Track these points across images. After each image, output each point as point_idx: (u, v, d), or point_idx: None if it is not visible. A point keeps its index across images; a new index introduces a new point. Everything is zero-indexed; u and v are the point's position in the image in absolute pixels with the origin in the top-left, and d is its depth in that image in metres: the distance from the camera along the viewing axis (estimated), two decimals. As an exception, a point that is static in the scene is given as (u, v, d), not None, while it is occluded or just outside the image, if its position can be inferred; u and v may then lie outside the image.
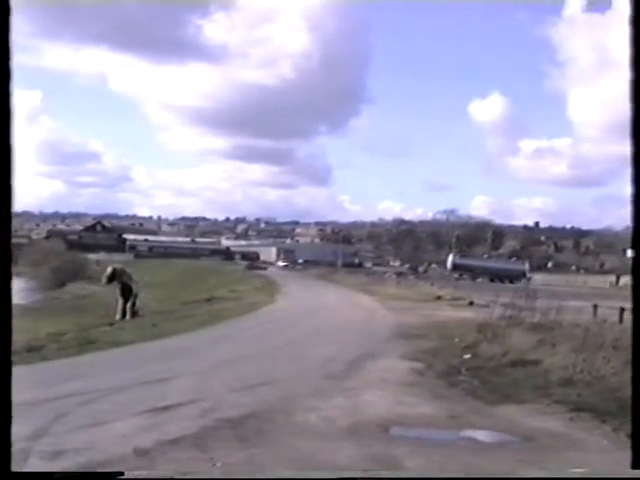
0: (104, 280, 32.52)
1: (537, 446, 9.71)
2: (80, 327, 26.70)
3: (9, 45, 2.83)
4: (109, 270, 32.85)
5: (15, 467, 3.44)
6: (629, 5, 3.05)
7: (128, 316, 30.73)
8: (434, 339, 22.92)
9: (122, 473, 3.52)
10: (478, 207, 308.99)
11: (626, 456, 4.12)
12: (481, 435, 10.38)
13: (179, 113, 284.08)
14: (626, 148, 2.99)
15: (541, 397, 13.02)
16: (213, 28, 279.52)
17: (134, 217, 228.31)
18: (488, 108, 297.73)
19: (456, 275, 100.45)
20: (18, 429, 8.96)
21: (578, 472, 5.64)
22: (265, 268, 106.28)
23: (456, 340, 21.96)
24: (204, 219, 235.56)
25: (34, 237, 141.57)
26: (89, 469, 7.94)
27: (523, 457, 9.01)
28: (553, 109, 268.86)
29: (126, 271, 33.27)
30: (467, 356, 18.62)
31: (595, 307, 25.54)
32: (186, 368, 15.95)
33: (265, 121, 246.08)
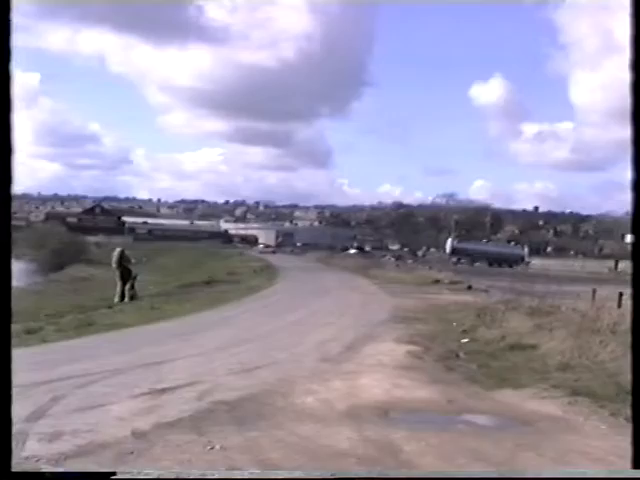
0: (114, 264, 32.31)
1: (535, 430, 9.72)
2: (79, 309, 26.69)
3: (9, 29, 2.80)
4: (117, 253, 32.74)
5: (13, 448, 3.41)
6: (629, 4, 3.02)
7: (127, 299, 30.72)
8: (432, 323, 22.97)
9: (114, 473, 3.52)
10: (478, 191, 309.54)
11: (623, 441, 4.13)
12: (479, 419, 10.39)
13: (179, 95, 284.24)
14: (628, 133, 2.97)
15: (539, 381, 13.03)
16: (214, 9, 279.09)
17: (133, 200, 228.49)
18: (490, 91, 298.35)
19: (455, 259, 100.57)
20: (16, 411, 9.01)
21: (578, 472, 5.65)
22: (274, 252, 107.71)
23: (454, 324, 22.01)
24: (203, 202, 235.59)
25: (32, 219, 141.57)
26: (88, 451, 7.97)
27: (521, 441, 9.03)
28: (555, 93, 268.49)
29: (125, 253, 33.20)
30: (465, 340, 18.66)
31: (594, 291, 25.58)
32: (184, 351, 15.98)
33: (266, 103, 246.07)
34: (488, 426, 10.12)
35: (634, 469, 3.24)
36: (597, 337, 15.52)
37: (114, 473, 3.51)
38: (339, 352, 16.57)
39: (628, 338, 3.17)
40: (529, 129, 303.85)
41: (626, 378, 11.24)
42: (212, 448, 8.22)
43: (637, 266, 3.02)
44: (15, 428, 8.18)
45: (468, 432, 9.59)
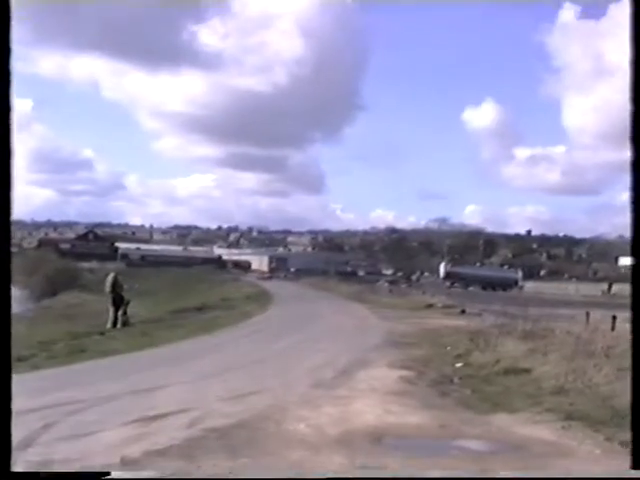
0: (108, 289, 32.10)
1: (529, 455, 9.65)
2: (71, 336, 26.53)
3: (9, 48, 2.80)
4: (110, 278, 32.59)
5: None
6: (629, 5, 3.02)
7: (119, 325, 30.57)
8: (426, 347, 22.89)
9: (108, 473, 3.50)
10: (470, 216, 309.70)
11: (618, 465, 4.08)
12: (473, 444, 10.31)
13: (172, 121, 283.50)
14: (620, 156, 2.97)
15: (533, 405, 12.97)
16: (207, 35, 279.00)
17: (126, 226, 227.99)
18: (482, 115, 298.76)
19: (448, 283, 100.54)
20: (4, 439, 8.86)
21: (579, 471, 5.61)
22: (270, 277, 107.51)
23: (448, 348, 21.92)
24: (196, 228, 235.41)
25: (25, 246, 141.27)
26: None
27: (514, 466, 8.96)
28: (548, 116, 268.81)
29: (118, 279, 33.07)
30: (459, 364, 18.59)
31: (587, 315, 25.57)
32: (175, 378, 15.87)
33: (258, 129, 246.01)
34: (481, 451, 10.04)
35: (633, 469, 3.23)
36: (591, 360, 15.46)
37: (108, 473, 3.50)
38: (331, 377, 16.47)
39: (622, 361, 3.16)
40: (521, 153, 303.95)
41: (621, 401, 11.19)
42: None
43: (637, 288, 3.00)
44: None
45: (461, 457, 9.51)
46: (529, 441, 10.45)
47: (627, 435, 4.67)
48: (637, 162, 2.95)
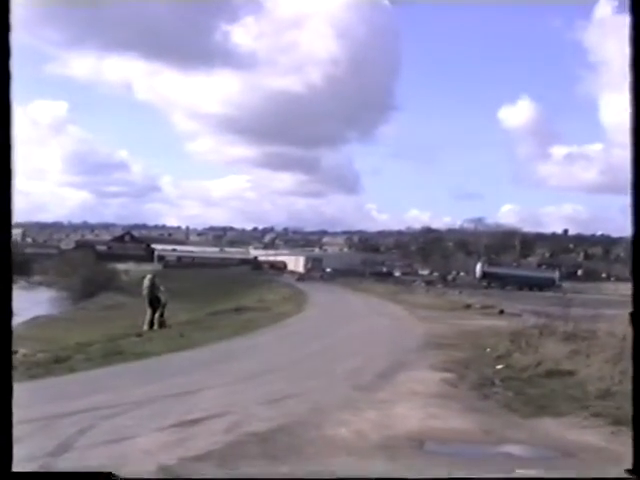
0: (145, 290, 32.03)
1: (579, 462, 9.33)
2: (108, 338, 26.54)
3: (9, 49, 2.68)
4: (147, 280, 32.56)
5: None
6: (628, 6, 2.86)
7: (156, 326, 30.52)
8: (465, 349, 22.56)
9: (112, 474, 3.36)
10: (506, 215, 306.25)
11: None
12: (519, 450, 10.00)
13: (206, 121, 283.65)
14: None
15: (579, 409, 12.62)
16: (241, 34, 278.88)
17: (163, 227, 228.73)
18: (518, 114, 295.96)
19: (485, 283, 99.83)
20: (41, 443, 8.76)
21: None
22: (306, 278, 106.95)
23: (488, 350, 21.57)
24: (232, 229, 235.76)
25: (63, 247, 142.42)
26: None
27: (565, 474, 8.64)
28: (584, 114, 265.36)
29: (155, 280, 33.04)
30: (500, 366, 18.25)
31: (631, 315, 25.07)
32: (213, 380, 15.71)
33: (293, 129, 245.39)
34: (528, 458, 9.74)
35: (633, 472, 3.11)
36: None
37: (112, 473, 3.38)
38: (371, 380, 16.23)
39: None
40: (558, 151, 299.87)
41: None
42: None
43: (637, 286, 2.87)
44: (39, 462, 7.94)
45: (507, 465, 9.20)
46: (578, 447, 10.12)
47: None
48: (637, 161, 2.76)
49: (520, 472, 9.55)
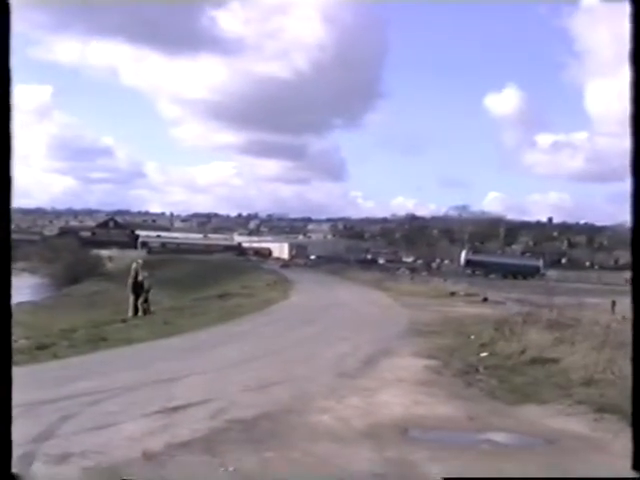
0: (131, 280, 31.87)
1: (561, 449, 9.36)
2: (92, 324, 26.46)
3: (9, 48, 2.67)
4: (135, 265, 32.49)
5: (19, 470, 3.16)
6: (629, 5, 2.83)
7: (140, 313, 30.45)
8: (450, 336, 22.62)
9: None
10: (491, 203, 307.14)
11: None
12: (503, 437, 10.02)
13: (192, 107, 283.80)
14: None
15: (562, 397, 12.67)
16: (227, 20, 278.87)
17: (147, 213, 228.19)
18: (504, 102, 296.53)
19: (469, 271, 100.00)
20: (23, 430, 8.71)
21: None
22: (290, 265, 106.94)
23: (472, 337, 21.63)
24: (216, 215, 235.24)
25: (47, 233, 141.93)
26: (96, 472, 7.67)
27: (548, 461, 8.67)
28: (571, 102, 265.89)
29: (138, 267, 32.92)
30: (484, 354, 18.29)
31: (613, 303, 25.19)
32: (198, 367, 15.68)
33: (279, 115, 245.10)
34: (512, 445, 9.77)
35: (634, 470, 3.07)
36: (621, 350, 15.10)
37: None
38: (356, 367, 16.25)
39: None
40: (544, 139, 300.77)
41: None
42: (225, 470, 7.91)
43: (637, 278, 2.86)
44: (22, 449, 7.88)
45: (491, 452, 9.23)
46: (561, 434, 10.16)
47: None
48: (637, 161, 2.76)
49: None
